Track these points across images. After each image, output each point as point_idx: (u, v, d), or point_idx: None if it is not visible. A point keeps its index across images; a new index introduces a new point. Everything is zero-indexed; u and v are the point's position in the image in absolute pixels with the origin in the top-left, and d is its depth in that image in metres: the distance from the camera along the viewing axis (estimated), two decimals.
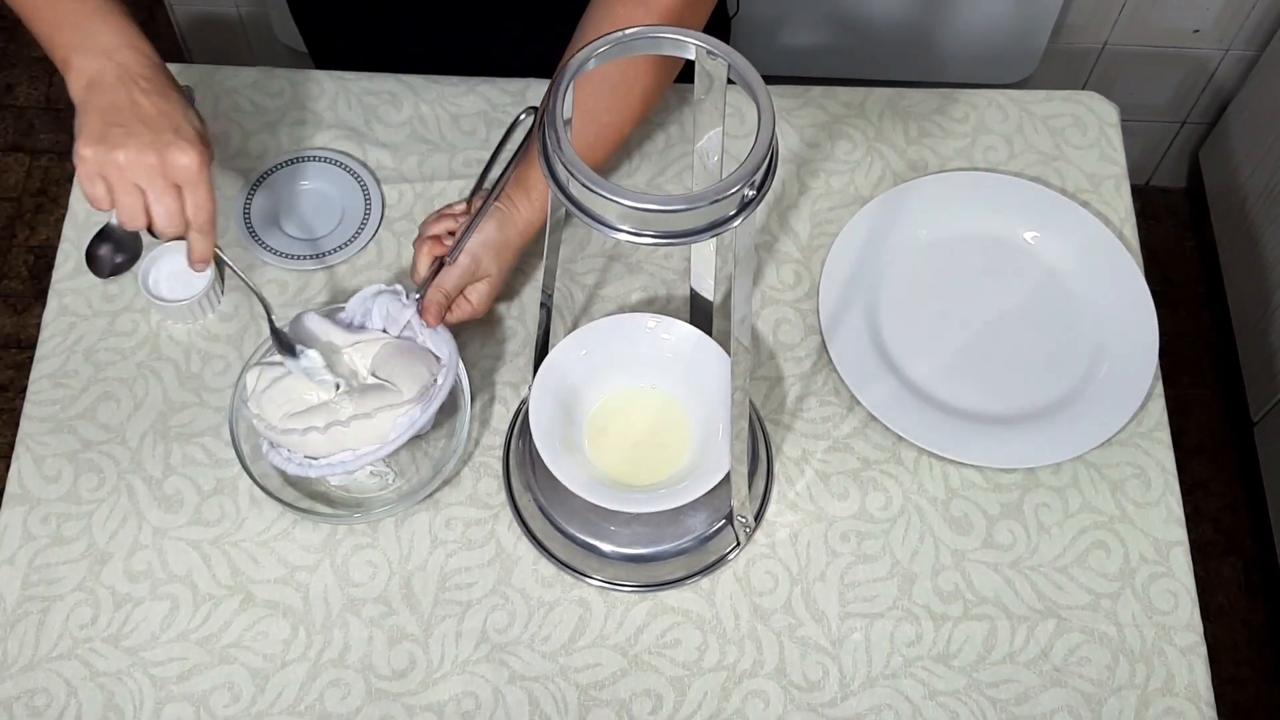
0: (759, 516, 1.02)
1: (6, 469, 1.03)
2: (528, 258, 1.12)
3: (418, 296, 0.99)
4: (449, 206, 1.03)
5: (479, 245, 1.00)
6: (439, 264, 0.99)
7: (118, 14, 0.96)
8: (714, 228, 0.70)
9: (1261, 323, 1.78)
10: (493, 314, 1.10)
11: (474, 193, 1.02)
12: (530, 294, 1.11)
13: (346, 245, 1.12)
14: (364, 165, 1.16)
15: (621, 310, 1.11)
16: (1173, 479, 1.04)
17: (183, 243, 0.97)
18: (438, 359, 0.99)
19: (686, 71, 0.80)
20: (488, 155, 1.05)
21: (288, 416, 0.95)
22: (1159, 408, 1.07)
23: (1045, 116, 1.21)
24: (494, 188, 1.00)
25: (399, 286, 1.00)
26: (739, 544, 1.00)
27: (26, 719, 0.94)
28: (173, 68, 1.19)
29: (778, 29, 1.64)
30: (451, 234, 1.01)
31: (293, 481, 1.01)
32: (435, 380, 0.98)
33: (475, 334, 1.09)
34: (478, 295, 1.02)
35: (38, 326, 1.10)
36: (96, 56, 0.94)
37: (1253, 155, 1.81)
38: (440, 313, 0.99)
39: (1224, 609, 1.78)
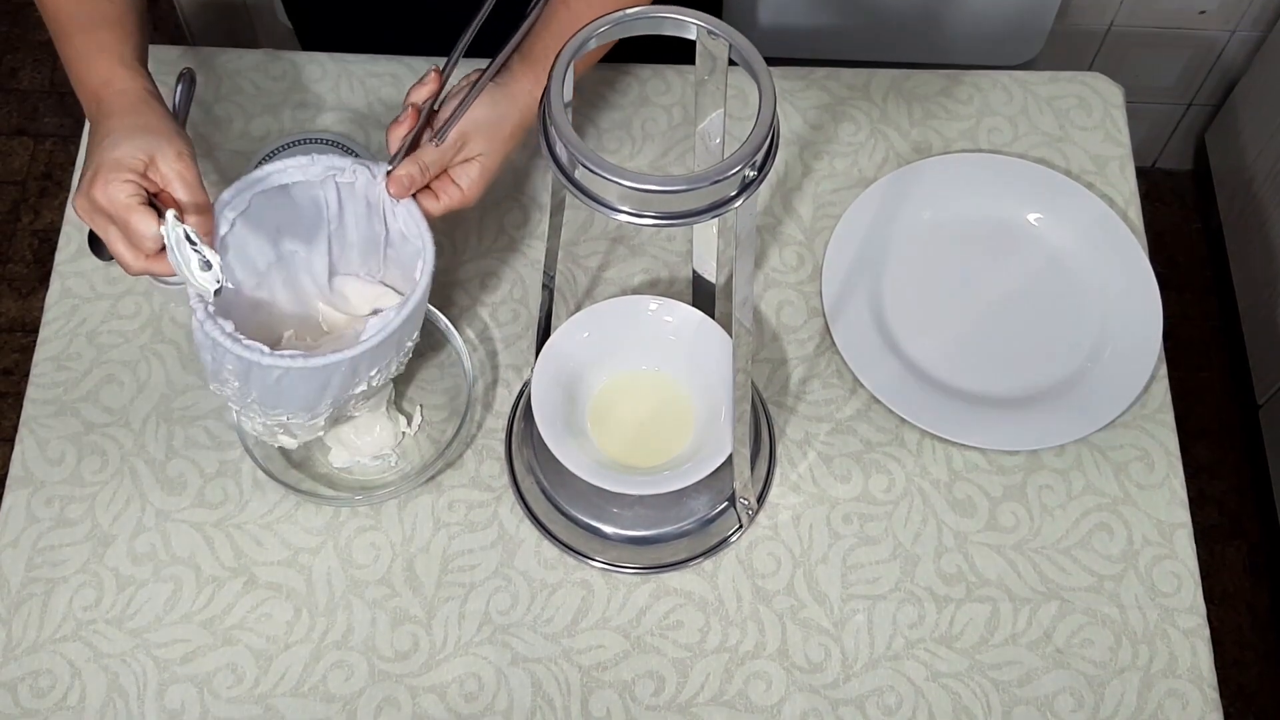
0: (761, 499, 1.02)
1: (11, 452, 1.03)
2: (531, 240, 1.12)
3: (389, 169, 0.90)
4: (429, 74, 0.93)
5: (465, 122, 0.91)
6: (415, 135, 0.90)
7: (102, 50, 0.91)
8: (715, 208, 0.70)
9: (1267, 305, 1.77)
10: (495, 296, 1.10)
11: (449, 64, 0.90)
12: (532, 276, 1.11)
13: None
14: (366, 148, 1.16)
15: (624, 292, 1.10)
16: (1176, 461, 1.04)
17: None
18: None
19: (688, 52, 0.79)
20: None
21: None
22: (1163, 390, 1.07)
23: (1050, 98, 1.20)
24: (489, 65, 0.91)
25: (368, 164, 0.91)
26: (741, 526, 1.00)
27: (31, 700, 0.94)
28: (174, 50, 1.20)
29: (780, 10, 1.63)
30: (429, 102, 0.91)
31: (296, 464, 1.01)
32: (416, 278, 0.90)
33: (478, 317, 1.09)
34: (468, 179, 0.92)
35: (42, 310, 1.10)
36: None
37: (1259, 137, 1.80)
38: (409, 186, 0.90)
39: (1228, 592, 1.78)
